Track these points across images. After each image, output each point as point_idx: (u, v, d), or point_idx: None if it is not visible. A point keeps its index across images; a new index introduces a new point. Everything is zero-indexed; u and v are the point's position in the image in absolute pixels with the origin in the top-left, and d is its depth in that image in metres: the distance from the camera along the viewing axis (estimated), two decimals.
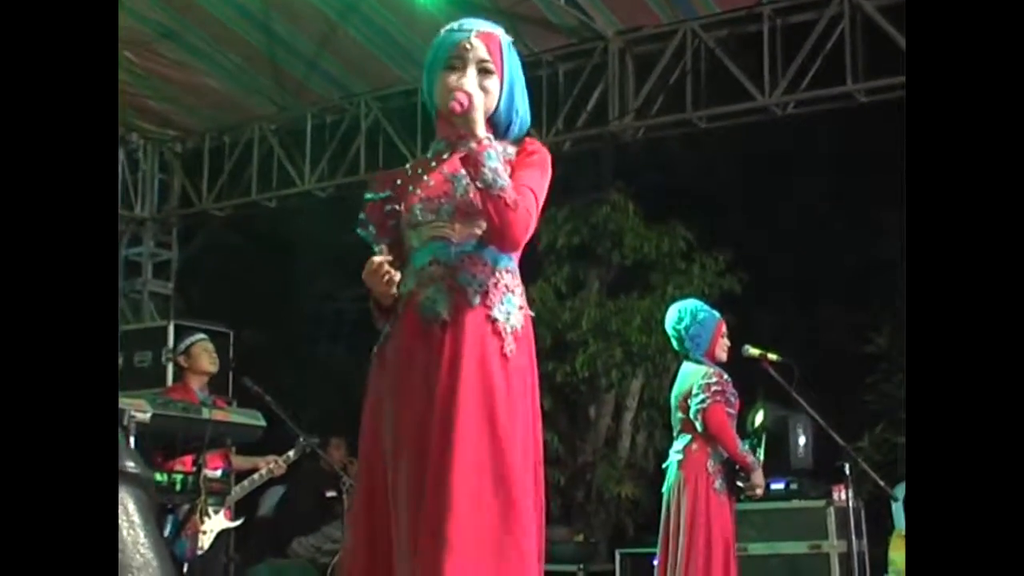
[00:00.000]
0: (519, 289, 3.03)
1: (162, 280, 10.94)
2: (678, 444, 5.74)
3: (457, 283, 2.95)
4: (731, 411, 5.68)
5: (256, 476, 6.96)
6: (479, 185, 2.89)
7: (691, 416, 5.67)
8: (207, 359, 6.92)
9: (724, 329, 5.89)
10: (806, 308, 12.54)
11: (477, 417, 2.82)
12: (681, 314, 5.83)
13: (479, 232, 2.97)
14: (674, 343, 5.88)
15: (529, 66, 4.10)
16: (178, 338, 7.56)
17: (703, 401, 5.61)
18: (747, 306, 10.47)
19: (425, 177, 3.08)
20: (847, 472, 5.57)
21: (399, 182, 3.11)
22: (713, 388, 5.63)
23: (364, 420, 3.03)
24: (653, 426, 11.40)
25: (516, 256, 3.05)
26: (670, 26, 8.51)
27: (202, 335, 7.07)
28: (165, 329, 9.09)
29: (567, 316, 11.13)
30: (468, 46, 3.03)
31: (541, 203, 3.00)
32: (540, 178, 3.03)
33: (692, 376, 5.74)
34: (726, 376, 5.74)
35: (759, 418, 5.97)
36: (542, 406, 3.08)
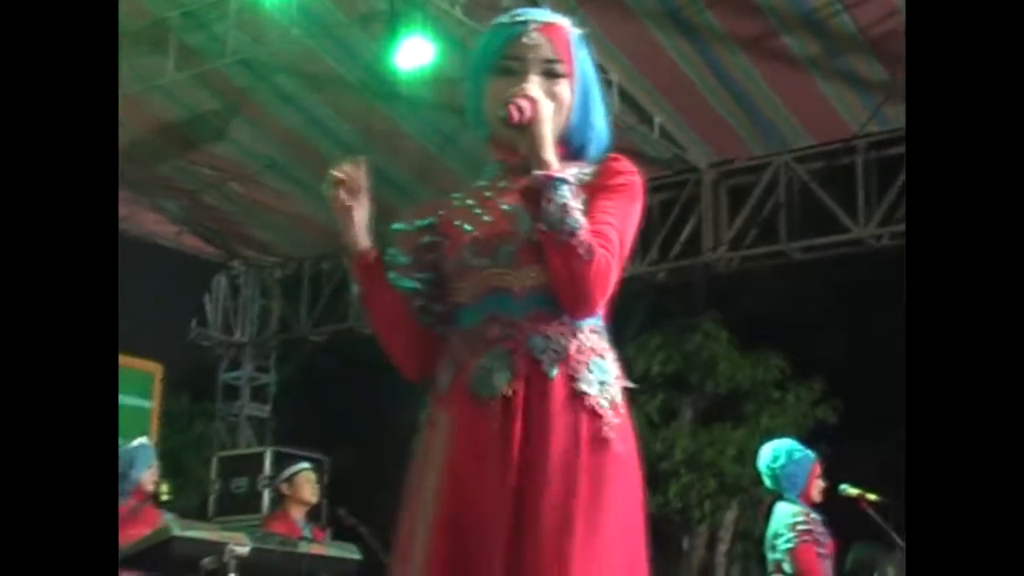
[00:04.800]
0: (610, 354, 2.28)
1: (259, 403, 11.10)
2: None
3: (525, 348, 2.20)
4: (822, 551, 5.56)
5: None
6: (542, 227, 2.16)
7: (779, 556, 5.59)
8: (309, 489, 6.96)
9: (819, 470, 5.80)
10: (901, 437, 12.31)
11: (569, 538, 2.09)
12: (776, 453, 5.76)
13: (547, 281, 2.23)
14: (768, 482, 5.80)
15: None
16: (277, 464, 7.60)
17: (790, 541, 5.52)
18: (842, 436, 10.33)
19: (478, 211, 2.33)
20: None
21: (442, 213, 2.38)
22: (800, 528, 5.54)
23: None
24: (748, 559, 11.21)
25: (601, 313, 2.31)
26: (763, 159, 8.59)
27: (306, 464, 7.10)
28: (262, 456, 9.17)
29: (659, 446, 11.05)
30: (528, 42, 2.30)
31: (628, 245, 2.28)
32: (626, 211, 2.29)
33: (784, 517, 5.67)
34: (815, 515, 5.63)
35: (849, 561, 5.86)
36: None
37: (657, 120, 8.19)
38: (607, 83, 7.73)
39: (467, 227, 2.31)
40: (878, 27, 7.19)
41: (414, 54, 6.81)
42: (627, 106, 7.95)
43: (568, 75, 2.31)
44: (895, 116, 7.81)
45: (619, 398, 2.23)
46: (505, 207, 2.29)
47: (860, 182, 8.17)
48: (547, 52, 2.29)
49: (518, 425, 2.15)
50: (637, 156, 8.80)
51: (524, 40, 2.29)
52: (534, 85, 2.24)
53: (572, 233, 2.14)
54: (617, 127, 8.24)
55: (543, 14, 2.37)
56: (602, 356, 2.25)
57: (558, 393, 2.18)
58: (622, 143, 8.55)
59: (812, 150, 8.44)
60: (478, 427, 2.17)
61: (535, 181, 2.15)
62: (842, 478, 5.79)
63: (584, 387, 2.19)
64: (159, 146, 9.05)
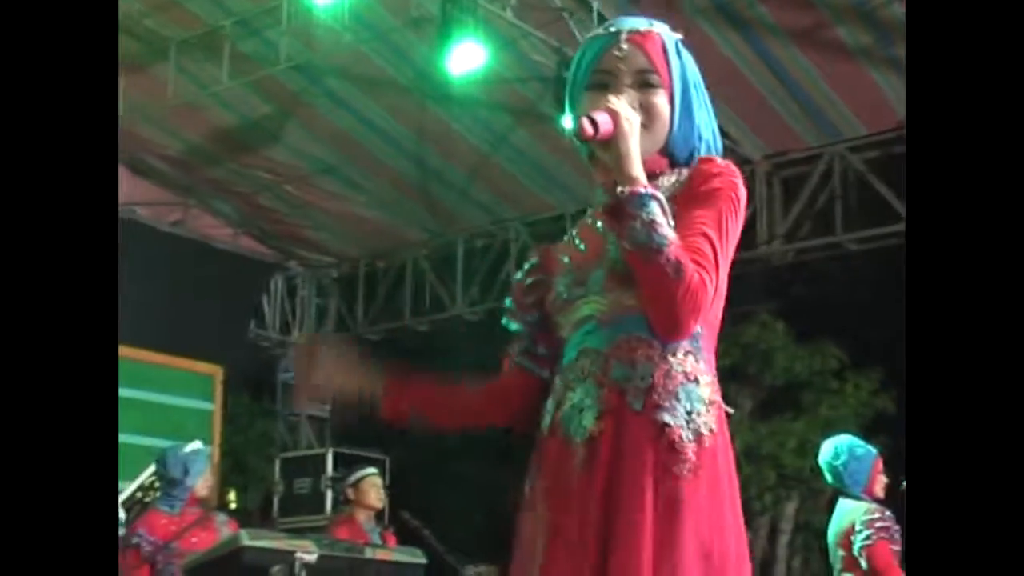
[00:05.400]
0: (706, 377, 2.11)
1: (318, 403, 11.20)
2: None
3: (610, 380, 2.08)
4: (896, 548, 5.51)
5: None
6: (627, 246, 2.03)
7: (855, 554, 5.54)
8: (375, 495, 7.03)
9: (881, 465, 5.76)
10: None
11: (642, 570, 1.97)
12: (838, 450, 5.72)
13: (632, 303, 2.11)
14: (829, 478, 5.76)
15: None
16: (338, 465, 7.64)
17: (868, 538, 5.46)
18: (903, 426, 10.26)
19: (577, 241, 2.25)
20: None
21: (548, 249, 2.34)
22: (878, 524, 5.48)
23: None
24: (808, 551, 11.17)
25: (703, 332, 2.14)
26: (817, 149, 8.55)
27: (372, 469, 7.16)
28: (324, 456, 9.27)
29: None
30: (619, 53, 2.18)
31: (728, 254, 2.10)
32: (722, 217, 2.10)
33: (852, 513, 5.60)
34: (888, 512, 5.59)
35: None
36: None
37: None
38: None
39: (565, 259, 2.23)
40: None
41: (466, 58, 6.84)
42: None
43: (664, 84, 2.18)
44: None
45: (711, 425, 2.07)
46: (599, 230, 2.18)
47: None
48: (641, 63, 2.18)
49: (603, 463, 2.04)
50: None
51: (615, 52, 2.18)
52: (616, 97, 2.10)
53: (659, 251, 1.99)
54: None
55: (636, 22, 2.24)
56: (695, 380, 2.09)
57: (644, 427, 2.04)
58: None
59: (866, 140, 8.39)
60: (567, 467, 2.08)
61: (618, 198, 2.03)
62: (903, 469, 5.75)
63: (668, 419, 2.05)
64: (214, 151, 9.16)
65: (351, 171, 9.29)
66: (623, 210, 2.02)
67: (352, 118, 8.62)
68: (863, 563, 5.48)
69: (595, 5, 7.28)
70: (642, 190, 2.03)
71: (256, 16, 7.66)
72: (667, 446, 2.03)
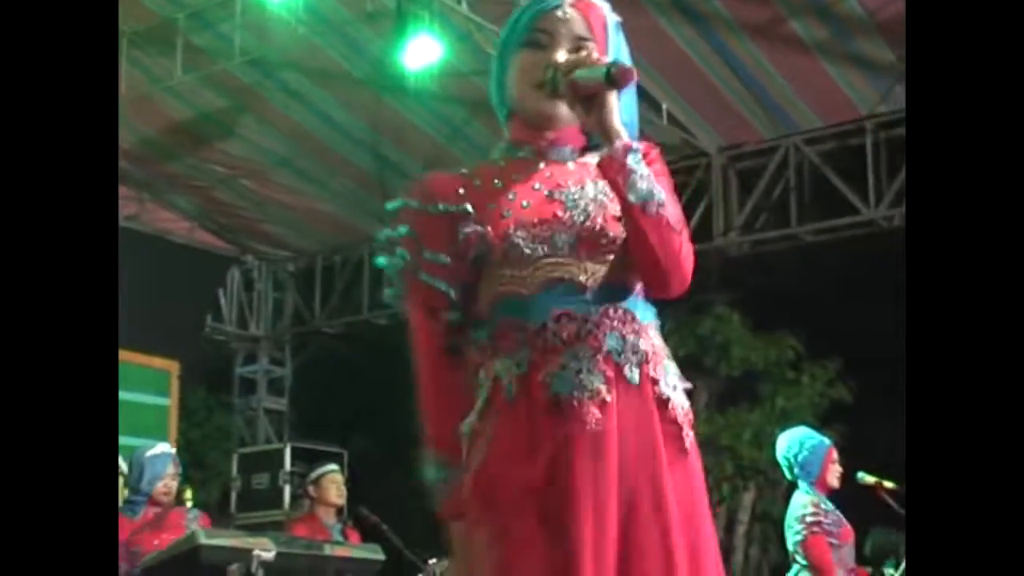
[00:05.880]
0: (670, 353, 2.12)
1: (275, 396, 11.17)
2: (790, 575, 5.70)
3: (604, 349, 2.01)
4: (834, 541, 5.58)
5: None
6: (632, 199, 2.00)
7: (790, 549, 5.64)
8: (335, 491, 6.99)
9: (835, 455, 5.81)
10: None
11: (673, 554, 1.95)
12: (791, 442, 5.79)
13: (616, 274, 2.06)
14: (786, 472, 5.84)
15: None
16: (296, 460, 7.60)
17: (798, 533, 5.56)
18: (859, 415, 10.34)
19: (510, 194, 2.10)
20: None
21: (462, 191, 2.12)
22: (808, 520, 5.56)
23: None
24: (766, 540, 11.23)
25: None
26: (772, 142, 8.60)
27: (333, 466, 7.11)
28: (282, 451, 9.23)
29: None
30: (561, 15, 2.13)
31: None
32: (672, 193, 2.09)
33: (795, 508, 5.70)
34: (825, 505, 5.63)
35: (869, 545, 5.88)
36: None
37: (664, 106, 8.21)
38: None
39: (506, 212, 2.08)
40: (885, 10, 7.20)
41: (421, 51, 6.83)
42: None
43: (600, 56, 2.11)
44: (904, 97, 7.83)
45: (686, 402, 2.09)
46: (546, 191, 2.10)
47: (870, 163, 8.17)
48: (581, 29, 2.13)
49: (613, 429, 1.96)
50: (645, 143, 8.83)
51: (558, 13, 2.13)
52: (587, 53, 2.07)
53: (662, 203, 2.00)
54: None
55: None
56: (670, 358, 2.10)
57: (645, 401, 2.01)
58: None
59: (821, 132, 8.45)
60: (567, 426, 1.96)
61: (615, 153, 2.01)
62: (860, 457, 5.81)
63: (668, 392, 2.04)
64: (169, 145, 9.10)
65: (307, 164, 9.26)
66: (622, 164, 2.00)
67: (307, 111, 8.60)
68: (799, 558, 5.57)
69: None
70: (635, 144, 2.03)
71: (209, 9, 7.61)
72: (671, 420, 2.03)
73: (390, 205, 2.18)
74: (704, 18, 7.45)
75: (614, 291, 2.05)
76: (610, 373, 1.99)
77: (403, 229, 2.12)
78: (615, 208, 2.06)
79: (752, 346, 11.35)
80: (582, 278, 2.04)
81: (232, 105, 8.59)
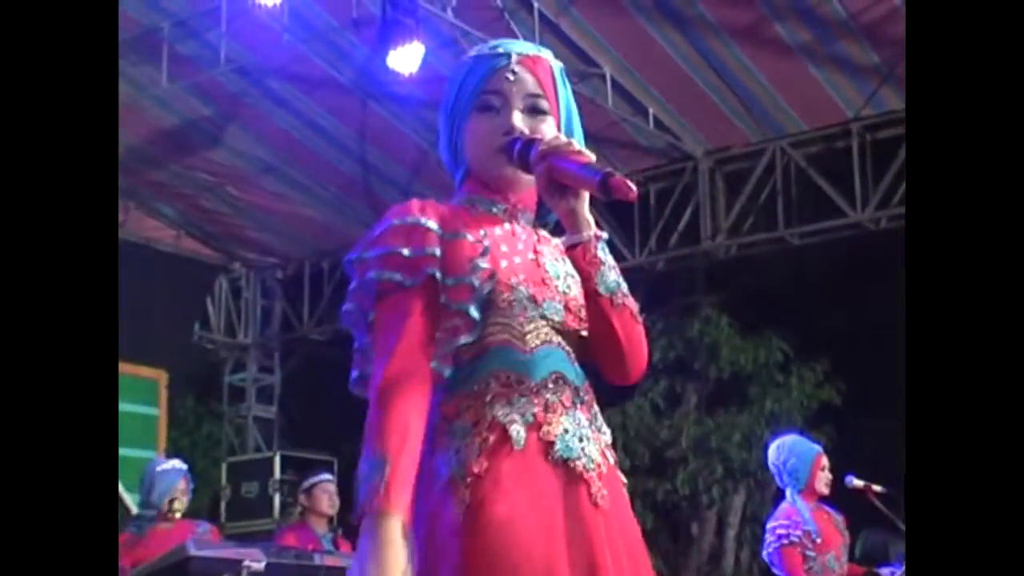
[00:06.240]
0: None
1: (264, 404, 11.15)
2: None
3: (596, 423, 2.05)
4: (809, 552, 5.56)
5: None
6: (602, 291, 2.05)
7: (764, 559, 5.67)
8: (327, 501, 6.96)
9: (824, 462, 5.81)
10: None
11: None
12: (780, 450, 5.80)
13: (581, 353, 2.08)
14: (776, 479, 5.86)
15: None
16: (285, 468, 7.58)
17: (769, 545, 5.59)
18: (848, 416, 10.37)
19: (502, 246, 2.05)
20: None
21: (484, 233, 2.04)
22: (778, 532, 5.58)
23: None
24: (757, 542, 11.22)
25: None
26: (759, 145, 8.62)
27: (326, 476, 7.10)
28: (271, 459, 9.22)
29: (665, 433, 11.07)
30: (511, 76, 2.10)
31: None
32: None
33: (774, 517, 5.71)
34: (799, 516, 5.61)
35: (858, 549, 5.88)
36: (644, 523, 2.22)
37: (651, 111, 8.22)
38: (600, 76, 7.77)
39: (503, 263, 2.02)
40: (869, 12, 7.22)
41: (407, 58, 6.83)
42: (620, 98, 7.99)
43: (553, 111, 2.11)
44: (889, 99, 7.86)
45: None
46: (527, 253, 2.06)
47: (856, 166, 8.19)
48: (531, 87, 2.10)
49: (600, 507, 1.96)
50: (632, 147, 8.85)
51: (507, 75, 2.09)
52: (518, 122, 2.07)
53: (626, 295, 2.07)
54: (611, 119, 8.28)
55: (525, 46, 2.16)
56: None
57: (615, 478, 2.03)
58: (618, 135, 8.61)
59: (807, 135, 8.48)
60: (576, 494, 1.94)
61: (592, 243, 2.07)
62: (848, 458, 5.81)
63: (621, 476, 2.07)
64: (155, 154, 9.08)
65: (294, 171, 9.25)
66: (594, 256, 2.07)
67: (294, 119, 8.59)
68: (776, 570, 5.59)
69: (535, 4, 7.30)
70: (604, 234, 2.10)
71: (194, 18, 7.60)
72: (627, 501, 2.06)
73: (408, 220, 2.05)
74: (689, 22, 7.46)
75: (583, 366, 2.07)
76: (601, 447, 2.01)
77: (431, 250, 2.00)
78: (580, 290, 2.08)
79: (740, 348, 11.36)
80: (568, 347, 2.04)
81: (218, 113, 8.57)
